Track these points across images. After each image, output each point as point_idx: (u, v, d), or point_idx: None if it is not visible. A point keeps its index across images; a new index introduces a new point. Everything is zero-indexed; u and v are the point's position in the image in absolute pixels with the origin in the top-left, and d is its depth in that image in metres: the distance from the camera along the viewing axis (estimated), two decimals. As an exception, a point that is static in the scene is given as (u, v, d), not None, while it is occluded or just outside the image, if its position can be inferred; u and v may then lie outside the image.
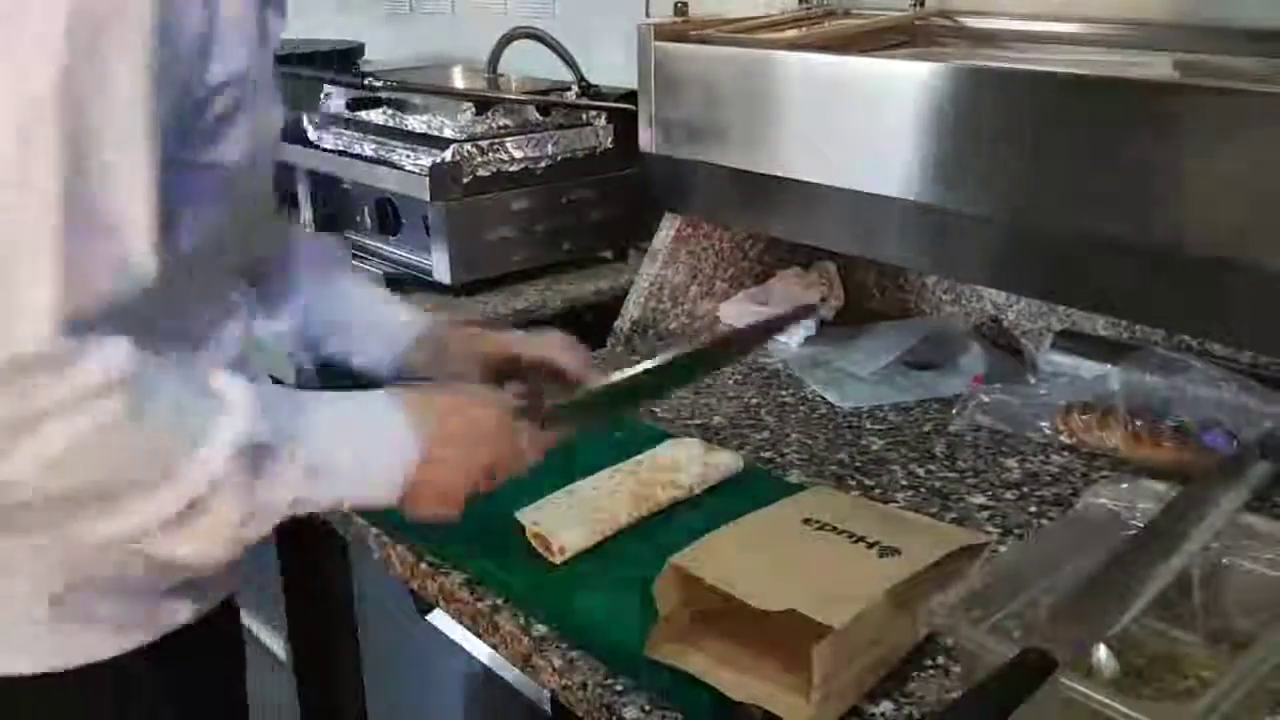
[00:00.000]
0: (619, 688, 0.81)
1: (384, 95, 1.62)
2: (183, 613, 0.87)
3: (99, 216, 0.66)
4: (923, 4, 1.48)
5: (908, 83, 1.19)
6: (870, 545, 0.79)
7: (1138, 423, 1.14)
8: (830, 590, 0.73)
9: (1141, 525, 0.84)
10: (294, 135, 1.74)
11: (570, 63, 1.71)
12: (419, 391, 0.87)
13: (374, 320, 1.08)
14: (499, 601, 0.92)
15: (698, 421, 1.25)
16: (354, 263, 1.67)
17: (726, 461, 1.09)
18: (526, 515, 0.97)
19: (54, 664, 0.82)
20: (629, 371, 1.01)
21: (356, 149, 1.64)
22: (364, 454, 0.80)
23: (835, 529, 0.81)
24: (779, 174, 1.31)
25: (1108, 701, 0.64)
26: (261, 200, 0.93)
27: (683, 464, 1.06)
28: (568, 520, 0.96)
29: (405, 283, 1.61)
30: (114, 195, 0.66)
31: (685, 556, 0.77)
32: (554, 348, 1.03)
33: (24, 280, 0.63)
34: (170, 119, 0.70)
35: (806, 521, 0.83)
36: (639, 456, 1.07)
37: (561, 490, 1.00)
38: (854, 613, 0.71)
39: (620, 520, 0.98)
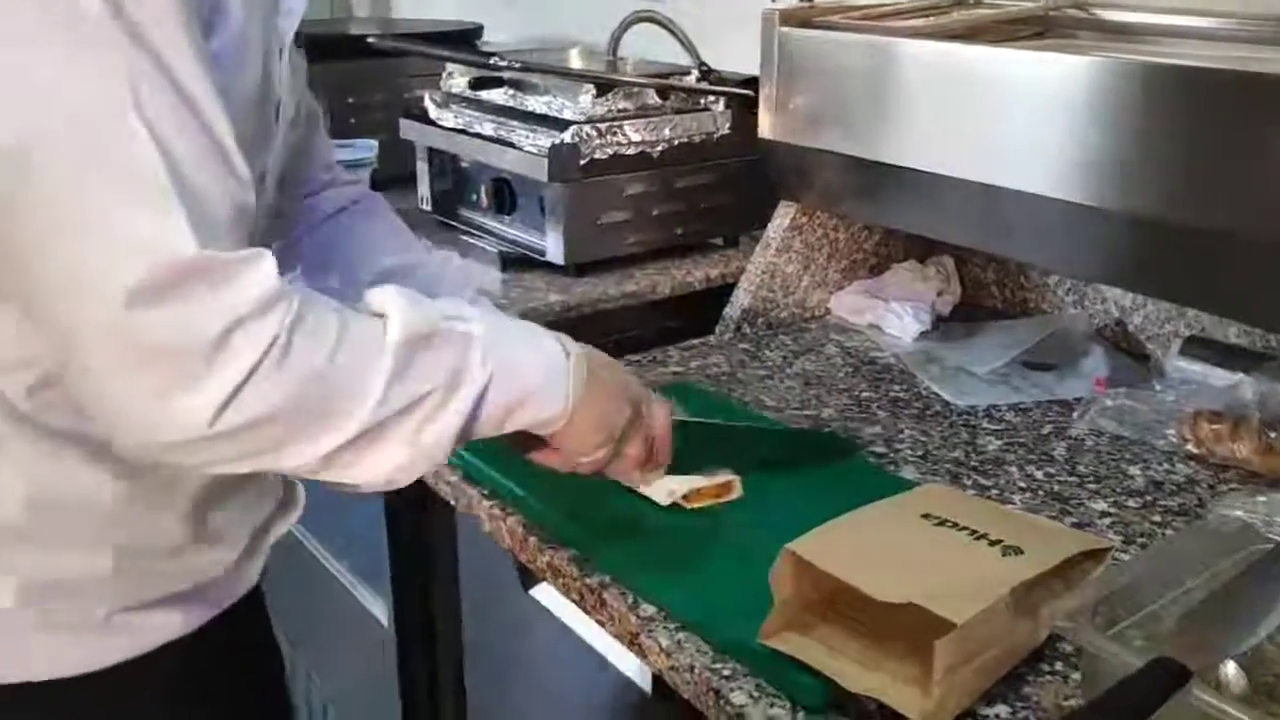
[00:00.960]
0: (726, 671, 0.81)
1: (506, 75, 1.64)
2: (183, 621, 0.84)
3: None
4: (1058, -6, 1.44)
5: (1042, 75, 1.16)
6: (992, 543, 0.77)
7: (1272, 434, 1.09)
8: (952, 586, 0.71)
9: (1278, 539, 0.81)
10: (415, 113, 1.77)
11: (689, 47, 1.70)
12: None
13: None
14: (607, 579, 0.92)
15: (807, 413, 1.24)
16: (467, 239, 1.70)
17: None
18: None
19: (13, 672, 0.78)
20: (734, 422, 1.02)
21: (476, 128, 1.66)
22: (537, 345, 0.79)
23: (955, 525, 0.80)
24: (902, 164, 1.29)
25: (1243, 718, 0.62)
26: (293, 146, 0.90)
27: None
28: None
29: (518, 262, 1.62)
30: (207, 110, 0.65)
31: (802, 544, 0.76)
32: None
33: (156, 196, 0.62)
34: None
35: (925, 516, 0.81)
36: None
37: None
38: (977, 609, 0.69)
39: None
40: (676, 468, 0.95)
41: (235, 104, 0.69)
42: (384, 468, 0.72)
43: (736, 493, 1.01)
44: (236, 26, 0.70)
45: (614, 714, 1.11)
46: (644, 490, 0.98)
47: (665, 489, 0.98)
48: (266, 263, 0.65)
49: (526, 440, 0.84)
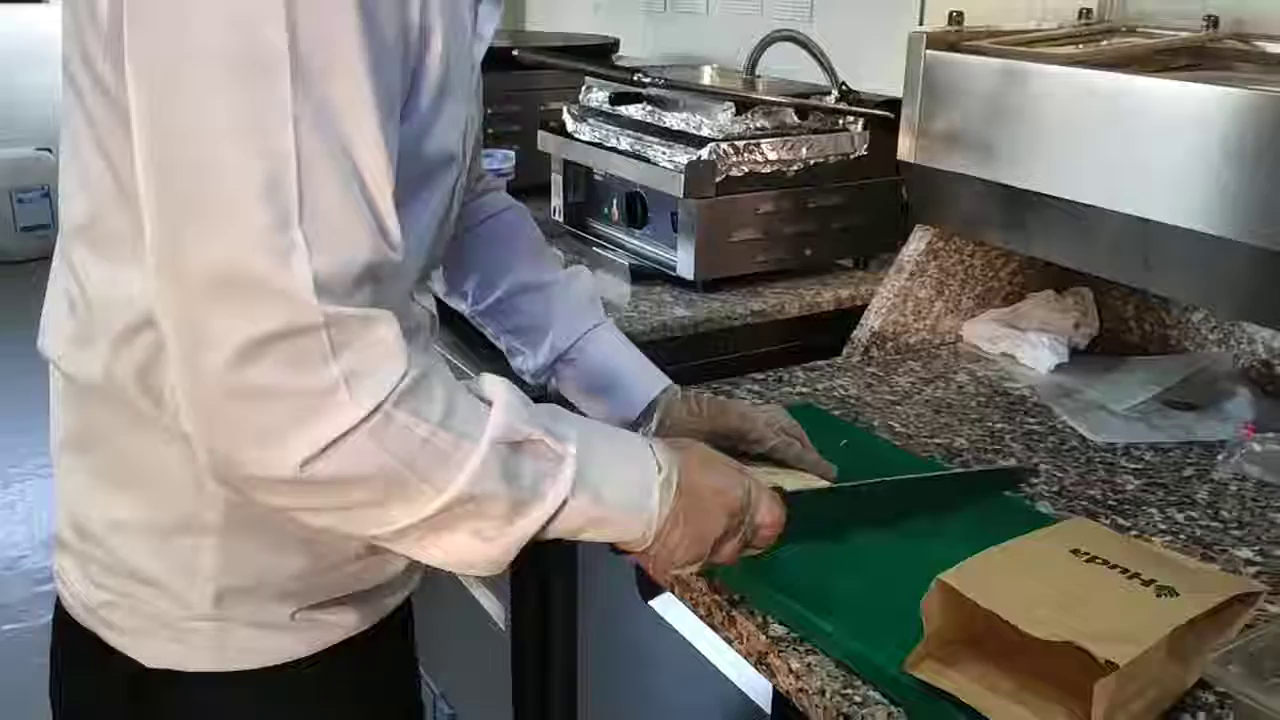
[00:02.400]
0: (858, 699, 0.80)
1: (646, 91, 1.66)
2: (363, 618, 0.88)
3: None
4: (1216, 25, 1.40)
5: (1193, 106, 1.13)
6: (1146, 583, 0.75)
7: None
8: (1109, 626, 0.70)
9: None
10: (552, 125, 1.80)
11: (828, 67, 1.70)
12: (670, 441, 0.84)
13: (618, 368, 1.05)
14: (737, 595, 0.93)
15: (939, 441, 1.23)
16: (598, 250, 1.73)
17: None
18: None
19: (228, 665, 0.82)
20: (858, 482, 0.99)
21: (613, 142, 1.68)
22: (631, 470, 0.77)
23: (1107, 563, 0.78)
24: (1045, 192, 1.27)
25: None
26: (457, 201, 0.87)
27: None
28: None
29: (647, 276, 1.64)
30: (358, 149, 0.64)
31: (955, 576, 0.76)
32: (774, 428, 1.02)
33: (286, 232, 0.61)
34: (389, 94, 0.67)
35: (1075, 552, 0.80)
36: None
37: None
38: (1138, 652, 0.68)
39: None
40: (818, 533, 0.93)
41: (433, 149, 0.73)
42: (450, 556, 0.72)
43: None
44: (440, 63, 0.71)
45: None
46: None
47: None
48: (389, 326, 0.65)
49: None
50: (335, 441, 0.63)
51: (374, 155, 0.65)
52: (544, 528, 0.73)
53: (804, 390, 1.36)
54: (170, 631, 0.81)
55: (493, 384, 0.73)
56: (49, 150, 5.04)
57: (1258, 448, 1.16)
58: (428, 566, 0.85)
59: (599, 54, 2.21)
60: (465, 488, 0.68)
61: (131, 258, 0.70)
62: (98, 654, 0.83)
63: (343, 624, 0.86)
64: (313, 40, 0.61)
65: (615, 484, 0.75)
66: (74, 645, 0.87)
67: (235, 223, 0.61)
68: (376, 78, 0.64)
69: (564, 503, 0.72)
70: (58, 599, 0.89)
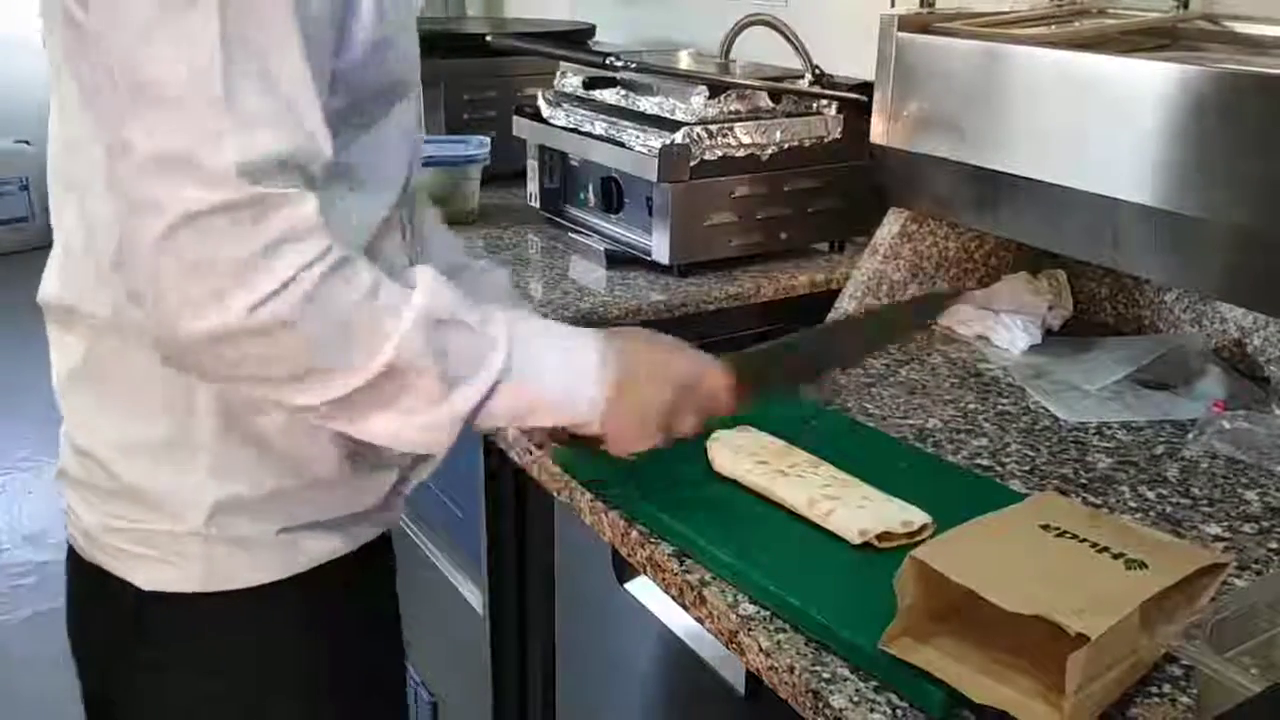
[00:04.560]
0: (827, 675, 0.81)
1: (619, 76, 1.65)
2: (343, 543, 0.91)
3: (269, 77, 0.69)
4: (1186, 5, 1.41)
5: (1165, 86, 1.13)
6: (1115, 556, 0.76)
7: (1402, 465, 1.05)
8: (1081, 599, 0.70)
9: None
10: (527, 111, 1.80)
11: (802, 51, 1.69)
12: (613, 330, 0.89)
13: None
14: (707, 575, 0.93)
15: (911, 422, 1.23)
16: (575, 237, 1.73)
17: None
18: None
19: (217, 585, 0.86)
20: (800, 333, 1.05)
21: (587, 127, 1.68)
22: (565, 354, 0.82)
23: (1076, 537, 0.79)
24: (1018, 173, 1.27)
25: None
26: (420, 125, 0.94)
27: None
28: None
29: (622, 260, 1.64)
30: (277, 61, 0.69)
31: (927, 551, 0.76)
32: None
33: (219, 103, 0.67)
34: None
35: (1045, 527, 0.80)
36: None
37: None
38: (1110, 624, 0.68)
39: None
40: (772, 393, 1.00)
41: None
42: (382, 431, 0.76)
43: (928, 535, 0.94)
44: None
45: (704, 711, 1.11)
46: (833, 528, 0.94)
47: (857, 528, 0.93)
48: (309, 204, 0.70)
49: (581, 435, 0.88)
50: (276, 292, 0.68)
51: (291, 58, 0.70)
52: (478, 409, 0.77)
53: (779, 373, 1.36)
54: (162, 552, 0.85)
55: (421, 270, 0.77)
56: (28, 143, 5.00)
57: (1228, 425, 1.17)
58: (405, 502, 0.93)
59: (575, 40, 2.20)
60: (391, 357, 0.72)
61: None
62: (102, 584, 0.87)
63: (323, 548, 0.89)
64: None
65: (550, 367, 0.81)
66: (81, 580, 0.91)
67: (171, 108, 0.67)
68: None
69: (495, 384, 0.77)
70: (69, 541, 0.93)
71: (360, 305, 0.72)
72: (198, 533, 0.84)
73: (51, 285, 0.88)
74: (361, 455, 0.89)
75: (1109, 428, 1.22)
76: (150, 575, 0.86)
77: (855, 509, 0.95)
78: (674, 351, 0.90)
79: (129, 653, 0.88)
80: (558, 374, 0.82)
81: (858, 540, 0.93)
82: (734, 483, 1.03)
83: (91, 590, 0.90)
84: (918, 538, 0.93)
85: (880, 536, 0.93)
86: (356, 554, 0.93)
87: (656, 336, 0.91)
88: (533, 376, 0.80)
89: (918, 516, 0.95)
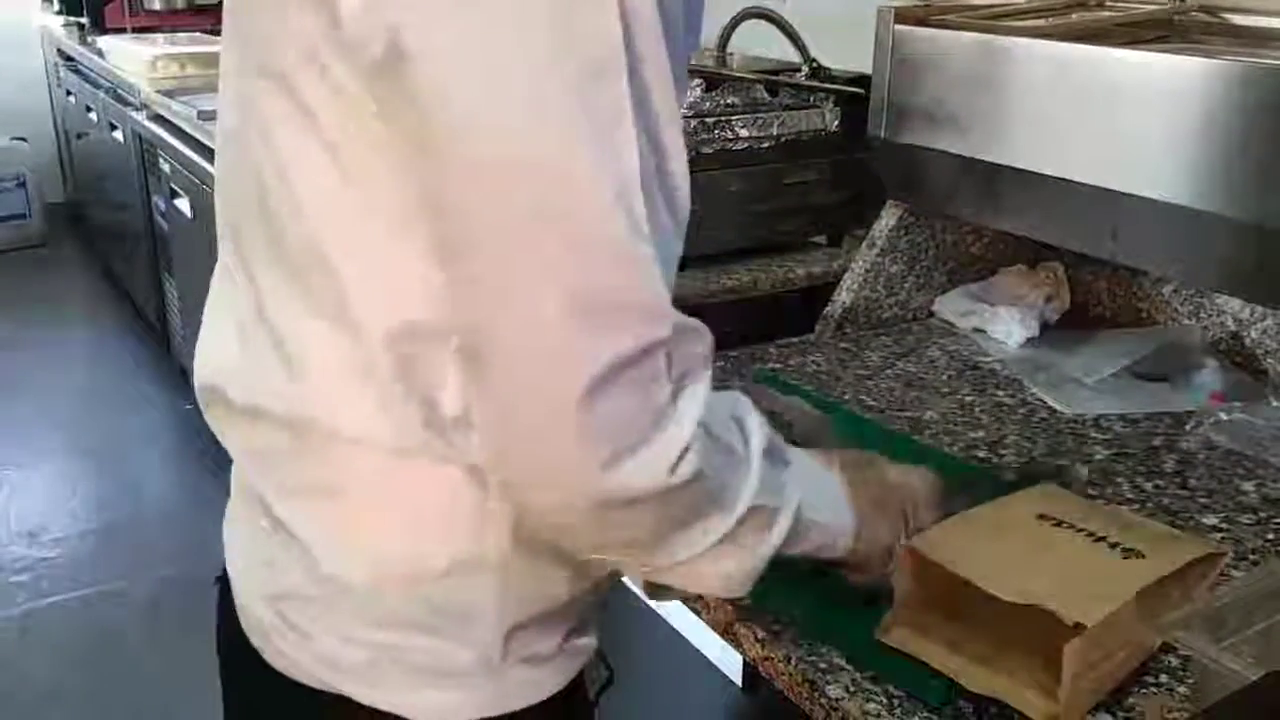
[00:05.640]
0: (823, 665, 0.81)
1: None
2: (588, 650, 0.81)
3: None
4: (1184, -3, 1.40)
5: (1163, 78, 1.13)
6: (1112, 545, 0.76)
7: (1399, 456, 1.05)
8: (1077, 588, 0.70)
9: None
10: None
11: (800, 44, 1.69)
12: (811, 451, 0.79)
13: None
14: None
15: (909, 414, 1.23)
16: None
17: None
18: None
19: (505, 707, 0.75)
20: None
21: (584, 120, 1.68)
22: (824, 481, 0.76)
23: (1073, 526, 0.78)
24: (1015, 166, 1.27)
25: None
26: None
27: None
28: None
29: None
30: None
31: (923, 541, 0.76)
32: None
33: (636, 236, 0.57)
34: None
35: (1042, 517, 0.80)
36: None
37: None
38: (1106, 612, 0.68)
39: None
40: None
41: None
42: (718, 577, 0.68)
43: None
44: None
45: (703, 703, 1.11)
46: None
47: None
48: (704, 335, 0.62)
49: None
50: (689, 444, 0.60)
51: (677, 135, 0.61)
52: (784, 542, 0.70)
53: (776, 366, 1.36)
54: (448, 680, 0.73)
55: (733, 395, 0.70)
56: (24, 139, 5.00)
57: (1225, 417, 1.17)
58: None
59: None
60: (752, 498, 0.66)
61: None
62: (340, 714, 0.74)
63: (589, 647, 0.80)
64: (637, 26, 0.57)
65: (826, 499, 0.74)
66: (287, 706, 0.77)
67: (594, 235, 0.56)
68: (670, 50, 0.59)
69: (797, 511, 0.70)
70: (254, 660, 0.78)
71: (727, 451, 0.65)
72: (489, 657, 0.73)
73: (258, 389, 0.72)
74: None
75: (1106, 420, 1.22)
76: (428, 704, 0.73)
77: None
78: (886, 468, 0.82)
79: None
80: (828, 505, 0.75)
81: None
82: None
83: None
84: None
85: None
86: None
87: (863, 455, 0.83)
88: (813, 508, 0.72)
89: None
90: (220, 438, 0.80)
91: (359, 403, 0.67)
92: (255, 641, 0.77)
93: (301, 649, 0.75)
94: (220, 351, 0.76)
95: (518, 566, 0.71)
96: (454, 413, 0.65)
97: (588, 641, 0.79)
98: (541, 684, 0.76)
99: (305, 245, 0.66)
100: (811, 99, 1.64)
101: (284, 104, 0.63)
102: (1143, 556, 0.75)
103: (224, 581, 0.84)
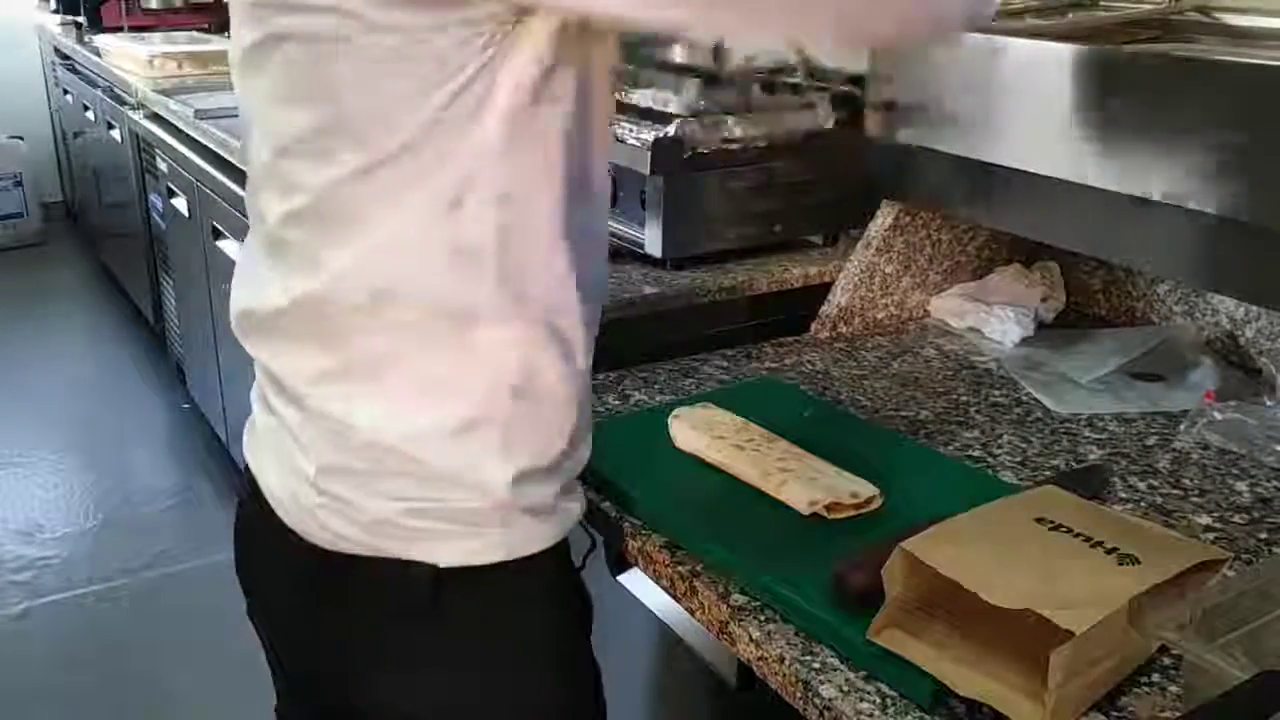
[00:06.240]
0: (817, 665, 0.81)
1: (613, 68, 1.65)
2: (576, 512, 0.91)
3: None
4: (1178, -2, 1.40)
5: (1158, 76, 1.13)
6: (1108, 551, 0.76)
7: (1392, 456, 1.05)
8: (1069, 593, 0.70)
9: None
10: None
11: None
12: None
13: None
14: (698, 567, 0.93)
15: (904, 414, 1.23)
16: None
17: None
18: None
19: (515, 553, 0.86)
20: None
21: (580, 119, 1.67)
22: None
23: (1070, 530, 0.79)
24: (1012, 166, 1.27)
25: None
26: None
27: None
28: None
29: (615, 253, 1.63)
30: None
31: (917, 543, 0.76)
32: None
33: None
34: None
35: (1039, 520, 0.80)
36: None
37: None
38: (1095, 619, 0.68)
39: None
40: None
41: None
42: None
43: (876, 505, 0.99)
44: None
45: (697, 703, 1.11)
46: (785, 499, 0.98)
47: (807, 499, 0.97)
48: None
49: None
50: None
51: None
52: None
53: (772, 365, 1.36)
54: (466, 527, 0.84)
55: None
56: (20, 139, 4.99)
57: (1218, 416, 1.17)
58: None
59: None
60: None
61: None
62: (382, 573, 0.85)
63: (577, 510, 0.90)
64: None
65: None
66: (343, 576, 0.87)
67: None
68: None
69: None
70: (297, 544, 0.88)
71: None
72: (501, 504, 0.84)
73: (358, 273, 0.80)
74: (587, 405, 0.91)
75: (1101, 419, 1.23)
76: (453, 551, 0.84)
77: (806, 481, 0.99)
78: None
79: (415, 635, 0.87)
80: None
81: (807, 511, 0.97)
82: (695, 458, 1.07)
83: (364, 583, 0.86)
84: (865, 509, 0.98)
85: (829, 507, 0.97)
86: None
87: None
88: None
89: (865, 488, 0.99)
90: (255, 355, 0.91)
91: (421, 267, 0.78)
92: (298, 527, 0.88)
93: (336, 519, 0.85)
94: (253, 271, 0.88)
95: (517, 421, 0.83)
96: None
97: (575, 505, 0.90)
98: (544, 534, 0.87)
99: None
100: (807, 98, 1.63)
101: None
102: (1138, 562, 0.75)
103: (247, 504, 0.96)
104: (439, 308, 0.79)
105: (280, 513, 0.89)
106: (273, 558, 0.92)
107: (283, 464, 0.89)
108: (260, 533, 0.93)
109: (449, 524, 0.84)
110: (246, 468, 0.96)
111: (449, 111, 0.73)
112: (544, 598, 0.90)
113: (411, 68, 0.73)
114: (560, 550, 0.90)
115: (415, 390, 0.82)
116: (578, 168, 0.80)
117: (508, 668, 0.89)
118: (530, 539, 0.86)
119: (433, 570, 0.84)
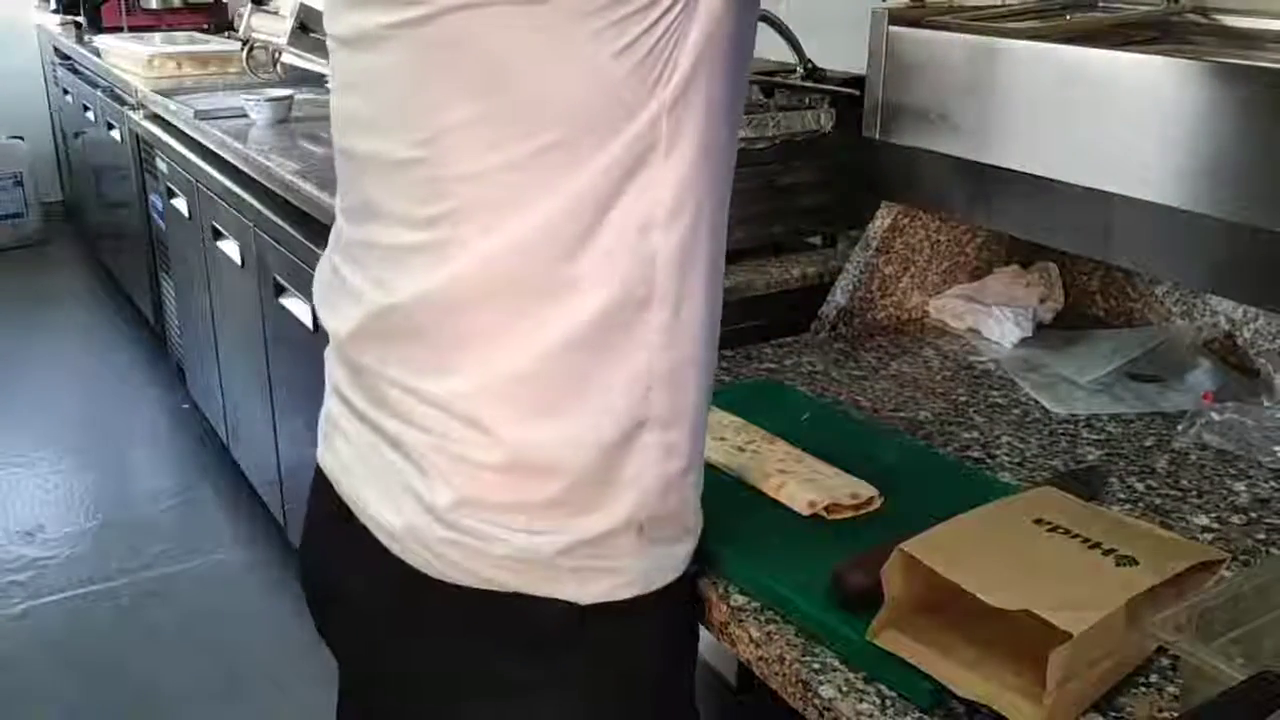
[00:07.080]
0: (817, 665, 0.81)
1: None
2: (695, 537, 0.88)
3: None
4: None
5: (1156, 79, 1.13)
6: (1106, 552, 0.76)
7: (1389, 456, 1.06)
8: (1067, 594, 0.71)
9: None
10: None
11: (796, 45, 1.70)
12: None
13: None
14: (698, 567, 0.93)
15: (903, 415, 1.23)
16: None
17: None
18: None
19: (650, 585, 0.83)
20: None
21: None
22: None
23: (1068, 532, 0.79)
24: (1010, 167, 1.27)
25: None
26: None
27: None
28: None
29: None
30: None
31: (916, 544, 0.76)
32: None
33: None
34: None
35: (1038, 522, 0.81)
36: None
37: None
38: (1093, 620, 0.68)
39: None
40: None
41: None
42: None
43: (875, 505, 0.99)
44: None
45: (698, 704, 1.12)
46: (785, 500, 0.99)
47: (806, 500, 0.98)
48: None
49: None
50: None
51: None
52: None
53: (771, 366, 1.36)
54: (606, 563, 0.80)
55: None
56: (20, 138, 4.99)
57: (1216, 417, 1.18)
58: None
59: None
60: None
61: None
62: (516, 611, 0.79)
63: (696, 533, 0.87)
64: None
65: None
66: (467, 613, 0.81)
67: None
68: None
69: None
70: (404, 570, 0.81)
71: None
72: (637, 531, 0.80)
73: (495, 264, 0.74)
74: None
75: (1099, 420, 1.23)
76: (594, 588, 0.80)
77: (806, 482, 0.99)
78: None
79: (545, 675, 0.82)
80: None
81: (807, 511, 0.97)
82: None
83: (496, 620, 0.80)
84: (864, 510, 0.98)
85: (829, 508, 0.97)
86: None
87: None
88: None
89: (864, 489, 0.99)
90: (361, 361, 0.83)
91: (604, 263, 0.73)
92: (409, 558, 0.80)
93: (474, 555, 0.78)
94: (364, 273, 0.81)
95: (650, 441, 0.78)
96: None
97: (696, 527, 0.86)
98: (676, 563, 0.84)
99: None
100: (807, 100, 1.64)
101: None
102: (1136, 564, 0.75)
103: (333, 523, 0.88)
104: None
105: (384, 539, 0.82)
106: (368, 580, 0.86)
107: (390, 488, 0.81)
108: (350, 556, 0.86)
109: (592, 560, 0.79)
110: (327, 482, 0.89)
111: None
112: (664, 631, 0.87)
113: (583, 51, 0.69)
114: (689, 577, 0.87)
115: (572, 400, 0.76)
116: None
117: (621, 698, 0.86)
118: (664, 569, 0.83)
119: (572, 607, 0.79)
